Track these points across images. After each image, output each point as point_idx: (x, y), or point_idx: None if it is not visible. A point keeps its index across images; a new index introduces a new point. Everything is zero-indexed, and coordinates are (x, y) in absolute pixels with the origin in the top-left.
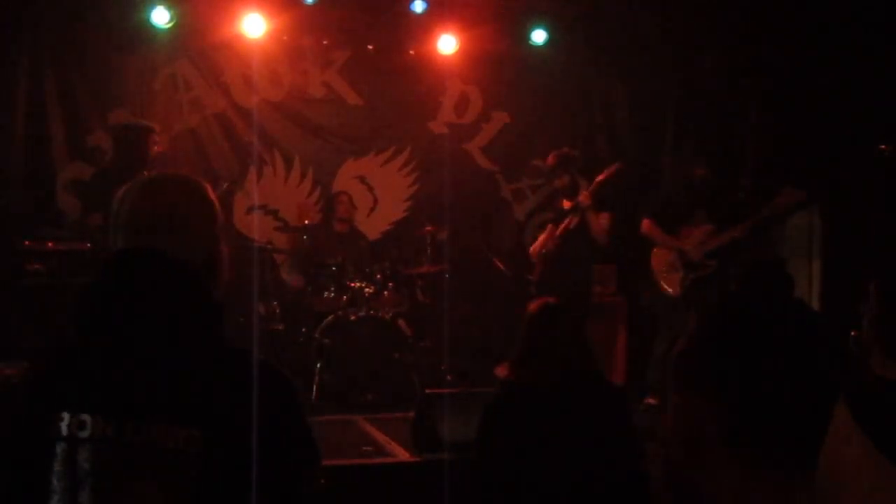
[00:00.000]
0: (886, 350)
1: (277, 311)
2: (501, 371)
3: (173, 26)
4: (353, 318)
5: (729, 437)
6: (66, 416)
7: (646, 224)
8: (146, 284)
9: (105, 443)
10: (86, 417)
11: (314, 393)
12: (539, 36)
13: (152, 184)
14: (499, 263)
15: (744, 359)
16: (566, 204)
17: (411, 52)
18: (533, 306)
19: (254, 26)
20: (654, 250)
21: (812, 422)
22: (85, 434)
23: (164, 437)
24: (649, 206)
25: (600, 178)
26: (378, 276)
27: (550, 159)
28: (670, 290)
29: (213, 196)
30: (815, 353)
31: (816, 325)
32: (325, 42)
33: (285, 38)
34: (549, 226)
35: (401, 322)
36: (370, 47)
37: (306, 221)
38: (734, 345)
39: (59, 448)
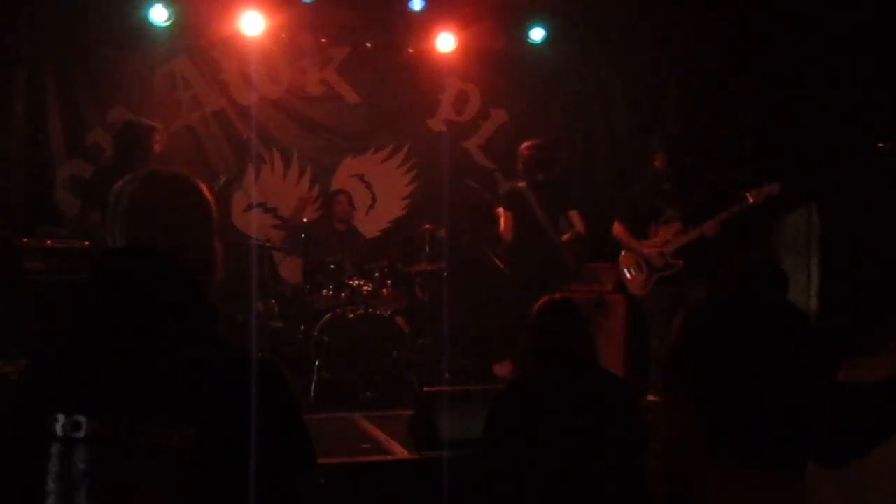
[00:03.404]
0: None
1: (276, 308)
2: (499, 369)
3: (172, 24)
4: (351, 315)
5: (711, 436)
6: (61, 416)
7: (616, 228)
8: (140, 283)
9: (100, 443)
10: (81, 418)
11: (313, 390)
12: (537, 34)
13: (149, 179)
14: (497, 261)
15: (724, 360)
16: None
17: (410, 49)
18: (540, 302)
19: (252, 24)
20: (623, 251)
21: (795, 422)
22: (80, 434)
23: (160, 436)
24: (620, 209)
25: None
26: (377, 274)
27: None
28: (635, 291)
29: (209, 194)
30: (797, 353)
31: (800, 326)
32: (323, 40)
33: (284, 35)
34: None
35: (399, 320)
36: (369, 45)
37: (305, 219)
38: (715, 346)
39: (55, 449)
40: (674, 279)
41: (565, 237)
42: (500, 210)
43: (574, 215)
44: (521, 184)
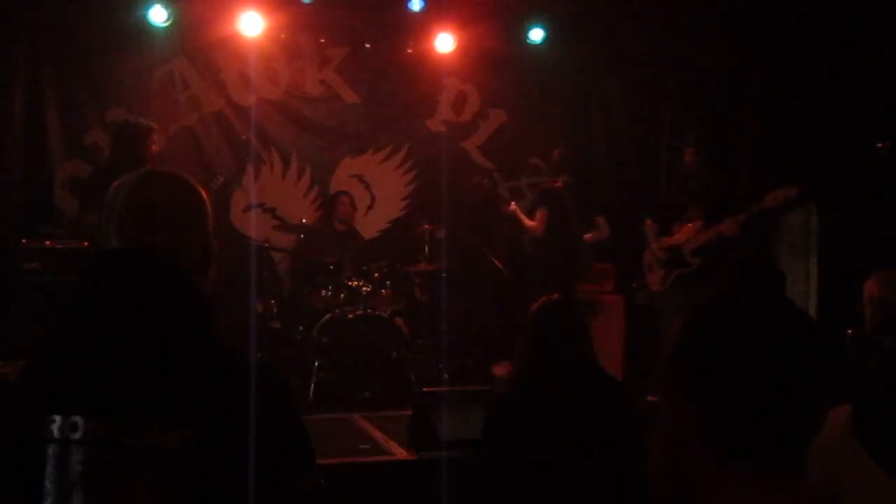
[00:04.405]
0: None
1: (275, 309)
2: (498, 369)
3: (171, 24)
4: (350, 316)
5: (712, 437)
6: (58, 418)
7: (647, 223)
8: (136, 284)
9: (97, 444)
10: (78, 419)
11: (311, 391)
12: (537, 34)
13: (145, 179)
14: (496, 261)
15: (725, 360)
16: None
17: (409, 50)
18: (539, 303)
19: (251, 24)
20: (647, 247)
21: (796, 422)
22: (77, 436)
23: (157, 437)
24: (650, 206)
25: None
26: (376, 275)
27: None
28: (653, 287)
29: (204, 193)
30: (799, 352)
31: (801, 324)
32: (322, 40)
33: (283, 36)
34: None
35: (398, 320)
36: (367, 45)
37: (304, 220)
38: (716, 346)
39: (52, 450)
40: (689, 278)
41: (588, 237)
42: (513, 207)
43: (601, 220)
44: (558, 183)
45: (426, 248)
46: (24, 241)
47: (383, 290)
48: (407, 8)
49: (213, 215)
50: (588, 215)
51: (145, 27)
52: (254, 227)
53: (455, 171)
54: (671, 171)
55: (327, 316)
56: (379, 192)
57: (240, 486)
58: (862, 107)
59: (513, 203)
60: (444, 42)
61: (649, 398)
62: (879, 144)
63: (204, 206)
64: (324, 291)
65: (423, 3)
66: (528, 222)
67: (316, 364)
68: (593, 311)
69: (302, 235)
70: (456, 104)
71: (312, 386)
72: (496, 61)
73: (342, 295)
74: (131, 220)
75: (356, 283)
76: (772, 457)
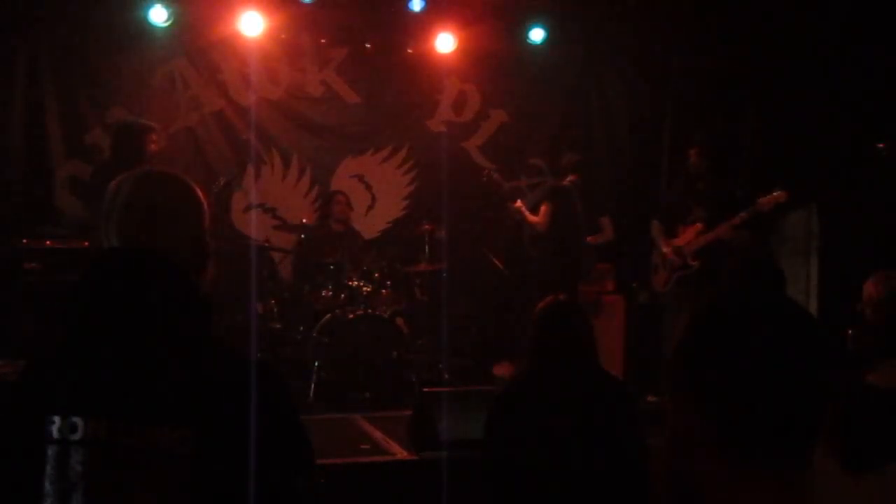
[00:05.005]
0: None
1: (275, 309)
2: (499, 369)
3: (171, 24)
4: (350, 316)
5: (717, 437)
6: (57, 419)
7: (653, 225)
8: (135, 283)
9: (97, 445)
10: (77, 420)
11: (312, 391)
12: (537, 34)
13: (142, 179)
14: (496, 261)
15: (729, 359)
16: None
17: (409, 50)
18: (543, 303)
19: (252, 24)
20: (657, 248)
21: (801, 421)
22: (77, 437)
23: (156, 438)
24: (656, 207)
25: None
26: (376, 275)
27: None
28: (658, 289)
29: (202, 193)
30: (803, 352)
31: (805, 324)
32: (322, 40)
33: (283, 36)
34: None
35: (399, 320)
36: (368, 46)
37: (304, 220)
38: (720, 345)
39: (51, 451)
40: (691, 280)
41: (589, 239)
42: (519, 203)
43: (606, 221)
44: (566, 182)
45: (426, 248)
46: (24, 241)
47: (383, 290)
48: (407, 8)
49: (210, 215)
50: (591, 216)
51: (145, 27)
52: (254, 227)
53: (455, 172)
54: (673, 172)
55: (327, 316)
56: (379, 192)
57: (240, 487)
58: (862, 107)
59: (518, 200)
60: (445, 42)
61: (649, 398)
62: (880, 145)
63: (201, 205)
64: (324, 291)
65: (423, 3)
66: (531, 218)
67: (316, 364)
68: (594, 312)
69: (302, 235)
70: (456, 104)
71: (312, 386)
72: (496, 61)
73: (342, 295)
74: (131, 220)
75: (356, 283)
76: (774, 456)
